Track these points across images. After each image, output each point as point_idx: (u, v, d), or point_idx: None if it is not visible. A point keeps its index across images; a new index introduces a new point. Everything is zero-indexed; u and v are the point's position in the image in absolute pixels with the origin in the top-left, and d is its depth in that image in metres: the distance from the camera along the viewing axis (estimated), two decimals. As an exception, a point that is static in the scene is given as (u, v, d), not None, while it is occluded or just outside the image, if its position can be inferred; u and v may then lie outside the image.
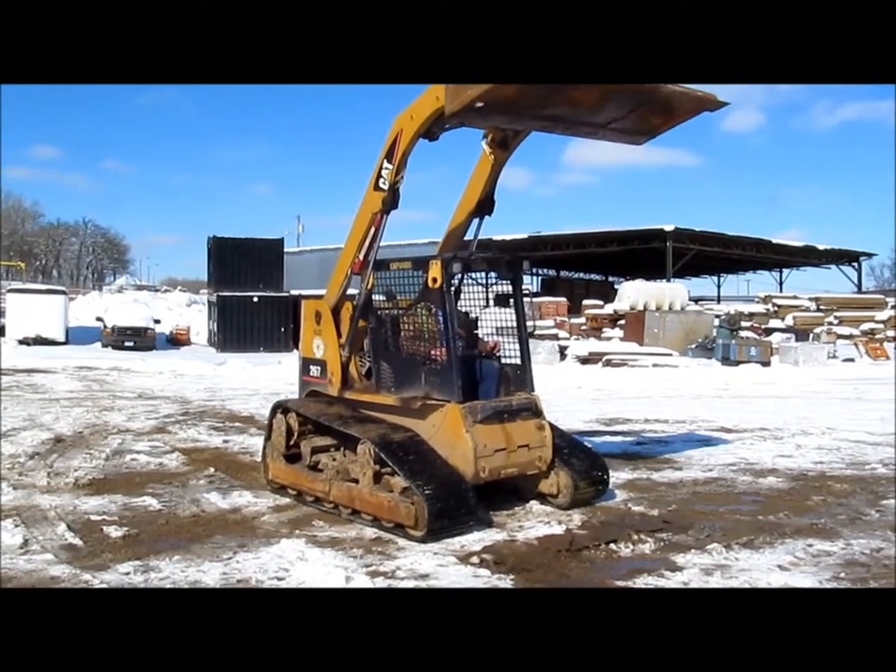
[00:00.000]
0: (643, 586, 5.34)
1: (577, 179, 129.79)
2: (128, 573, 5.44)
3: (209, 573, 5.45)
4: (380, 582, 5.31)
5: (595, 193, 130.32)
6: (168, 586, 5.23)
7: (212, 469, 8.80)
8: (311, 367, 7.84)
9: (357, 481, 6.82)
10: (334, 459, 7.26)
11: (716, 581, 5.41)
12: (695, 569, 5.65)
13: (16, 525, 6.46)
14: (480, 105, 5.86)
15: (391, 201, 6.97)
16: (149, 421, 12.35)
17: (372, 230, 7.12)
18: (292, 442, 7.61)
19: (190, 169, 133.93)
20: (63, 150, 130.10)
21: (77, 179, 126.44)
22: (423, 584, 5.32)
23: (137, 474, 8.62)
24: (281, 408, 7.80)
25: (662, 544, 6.27)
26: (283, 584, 5.29)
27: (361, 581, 5.27)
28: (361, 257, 7.23)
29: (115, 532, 6.39)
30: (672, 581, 5.43)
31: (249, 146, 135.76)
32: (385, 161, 6.93)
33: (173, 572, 5.47)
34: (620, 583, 5.38)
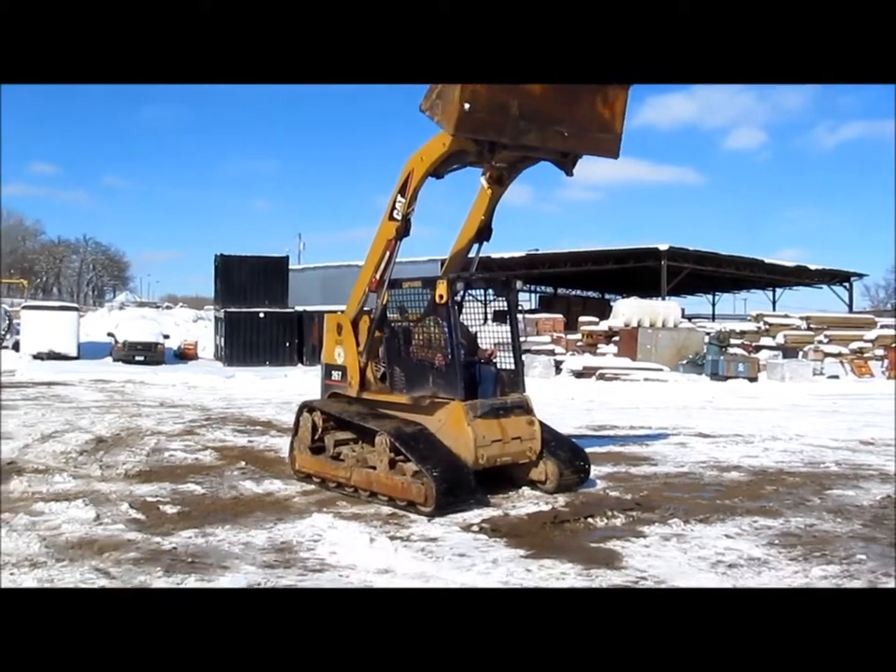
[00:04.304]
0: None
1: (579, 196, 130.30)
2: (190, 537, 6.62)
3: (257, 537, 6.65)
4: (398, 544, 6.45)
5: (598, 210, 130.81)
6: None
7: (243, 463, 9.99)
8: (332, 372, 9.04)
9: (374, 467, 8.00)
10: (354, 450, 8.46)
11: (672, 545, 6.59)
12: (656, 537, 6.84)
13: (86, 505, 7.56)
14: (468, 106, 6.84)
15: (404, 229, 8.18)
16: (177, 425, 13.53)
17: (387, 254, 8.34)
18: (317, 437, 8.81)
19: (191, 184, 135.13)
20: (62, 167, 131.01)
21: (76, 196, 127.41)
22: (433, 546, 6.48)
23: (177, 467, 9.79)
24: (307, 407, 9.01)
25: (631, 519, 7.45)
26: (318, 545, 6.42)
27: (383, 542, 6.44)
28: (377, 277, 8.44)
29: (170, 509, 7.57)
30: (636, 544, 6.62)
31: (249, 161, 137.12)
32: (399, 195, 8.14)
33: (227, 536, 6.66)
34: (593, 545, 6.58)
